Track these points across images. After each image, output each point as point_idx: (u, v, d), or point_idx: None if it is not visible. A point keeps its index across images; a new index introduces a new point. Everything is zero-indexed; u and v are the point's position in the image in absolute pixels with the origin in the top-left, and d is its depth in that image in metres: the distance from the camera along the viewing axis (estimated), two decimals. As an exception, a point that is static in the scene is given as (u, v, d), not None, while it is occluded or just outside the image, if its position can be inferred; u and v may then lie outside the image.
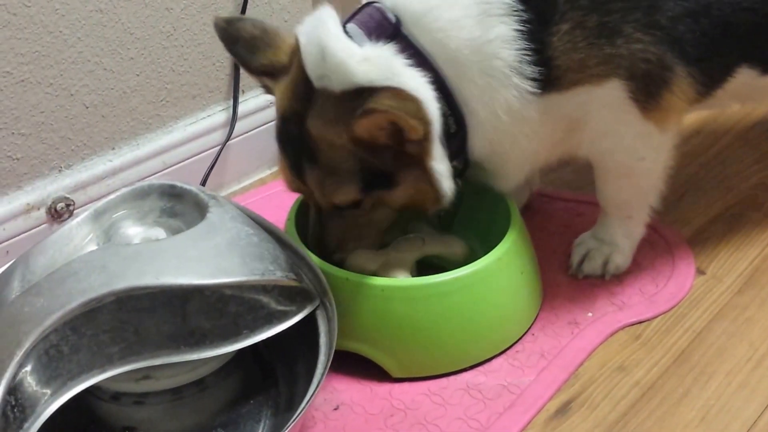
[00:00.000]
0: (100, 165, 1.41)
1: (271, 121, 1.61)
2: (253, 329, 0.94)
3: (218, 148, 1.55)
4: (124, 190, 1.05)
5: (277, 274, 0.96)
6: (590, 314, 1.23)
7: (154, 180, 1.37)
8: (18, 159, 1.30)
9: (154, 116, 1.47)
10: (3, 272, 0.98)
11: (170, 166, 1.49)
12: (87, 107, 1.36)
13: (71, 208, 1.36)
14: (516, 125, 1.09)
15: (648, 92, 1.10)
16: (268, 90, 1.15)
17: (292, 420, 0.90)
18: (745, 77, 1.18)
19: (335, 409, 1.09)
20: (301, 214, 1.23)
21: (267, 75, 1.13)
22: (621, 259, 1.28)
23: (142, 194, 1.05)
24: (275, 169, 1.65)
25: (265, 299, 0.95)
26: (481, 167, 1.17)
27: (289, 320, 0.97)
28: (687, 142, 1.60)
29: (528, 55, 1.04)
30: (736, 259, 1.32)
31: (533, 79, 1.05)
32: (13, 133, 1.28)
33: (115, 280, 0.88)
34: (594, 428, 1.05)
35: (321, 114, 1.05)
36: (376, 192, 1.09)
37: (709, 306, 1.23)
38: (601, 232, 1.29)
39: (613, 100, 1.10)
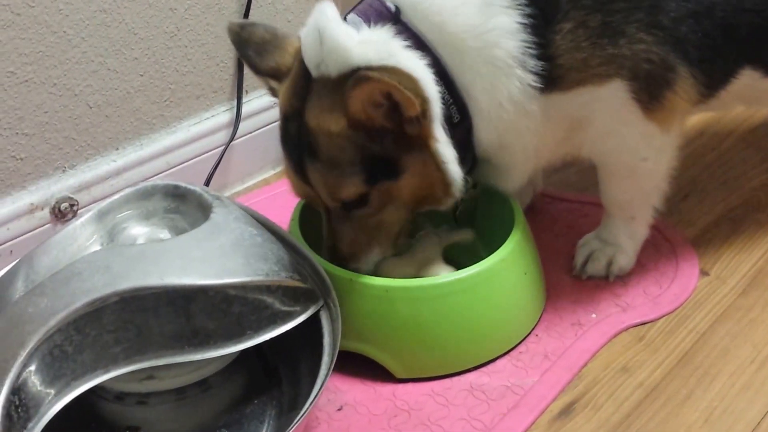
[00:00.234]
0: (103, 165, 1.41)
1: (275, 121, 1.63)
2: (257, 330, 0.94)
3: (222, 148, 1.55)
4: (128, 190, 1.05)
5: (281, 274, 0.96)
6: (594, 315, 1.22)
7: (158, 180, 1.37)
8: (22, 159, 1.31)
9: (158, 116, 1.47)
10: (7, 272, 0.98)
11: (174, 167, 1.49)
12: (91, 107, 1.36)
13: (75, 208, 1.36)
14: (519, 118, 1.08)
15: (650, 93, 1.10)
16: (274, 93, 1.15)
17: (296, 420, 0.90)
18: (747, 79, 1.18)
19: (339, 409, 1.09)
20: (304, 214, 1.22)
21: (273, 77, 1.13)
22: (625, 260, 1.28)
23: (146, 194, 1.05)
24: (279, 169, 1.65)
25: (269, 300, 0.95)
26: (487, 164, 1.16)
27: (293, 321, 0.97)
28: (690, 144, 1.60)
29: (531, 48, 1.04)
30: (740, 261, 1.32)
31: (536, 74, 1.05)
32: (17, 133, 1.28)
33: (119, 280, 0.88)
34: (598, 429, 1.05)
35: (318, 103, 1.04)
36: (383, 183, 1.07)
37: (713, 307, 1.23)
38: (605, 233, 1.29)
39: (616, 101, 1.10)
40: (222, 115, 1.56)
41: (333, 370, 0.96)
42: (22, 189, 1.32)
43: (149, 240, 1.00)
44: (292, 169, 1.11)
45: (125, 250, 0.95)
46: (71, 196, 1.36)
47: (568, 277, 1.30)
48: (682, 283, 1.28)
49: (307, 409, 0.91)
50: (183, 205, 1.04)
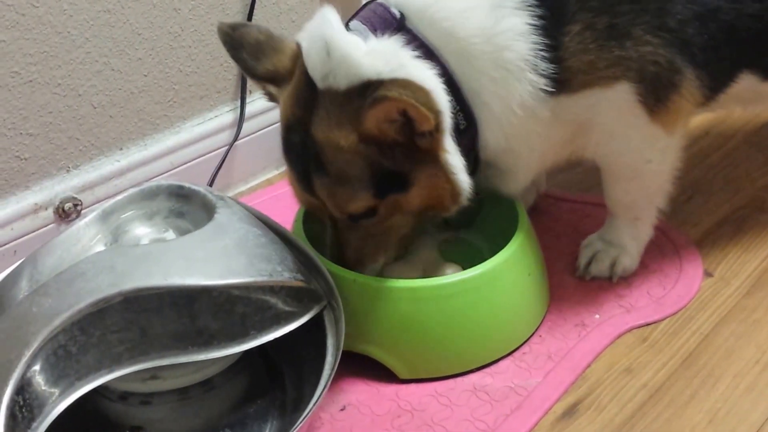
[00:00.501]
0: (107, 165, 1.41)
1: (278, 122, 1.63)
2: (261, 330, 0.94)
3: (226, 148, 1.55)
4: (132, 190, 1.05)
5: (284, 275, 0.96)
6: (597, 316, 1.22)
7: (162, 180, 1.37)
8: (26, 159, 1.31)
9: (162, 117, 1.47)
10: (11, 272, 0.98)
11: (178, 167, 1.49)
12: (95, 107, 1.36)
13: (79, 208, 1.37)
14: (529, 122, 1.07)
15: (657, 95, 1.10)
16: (272, 98, 1.13)
17: (300, 420, 0.90)
18: (747, 83, 1.18)
19: (342, 409, 1.09)
20: (308, 215, 1.22)
21: (271, 81, 1.10)
22: (628, 261, 1.28)
23: (150, 195, 1.05)
24: (282, 169, 1.65)
25: (272, 300, 0.95)
26: (490, 168, 1.16)
27: (297, 321, 0.97)
28: (694, 144, 1.60)
29: (541, 50, 1.03)
30: (744, 262, 1.32)
31: (546, 77, 1.04)
32: (21, 133, 1.29)
33: (123, 280, 0.88)
34: (601, 430, 1.05)
35: (326, 116, 1.02)
36: (392, 196, 1.06)
37: (717, 308, 1.23)
38: (609, 233, 1.29)
39: (622, 103, 1.09)
40: (226, 116, 1.56)
41: (336, 371, 0.96)
42: (26, 189, 1.33)
43: (153, 240, 1.00)
44: (296, 180, 1.09)
45: (129, 250, 0.95)
46: (75, 196, 1.36)
47: (572, 278, 1.30)
48: (685, 284, 1.27)
49: (311, 409, 0.91)
50: (187, 206, 1.04)
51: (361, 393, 1.11)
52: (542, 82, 1.04)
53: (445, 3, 1.04)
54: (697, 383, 1.11)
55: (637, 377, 1.12)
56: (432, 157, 1.03)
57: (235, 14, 1.51)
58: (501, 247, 1.14)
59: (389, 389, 1.12)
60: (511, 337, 1.17)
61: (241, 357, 1.00)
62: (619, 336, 1.19)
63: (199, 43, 1.47)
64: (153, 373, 0.94)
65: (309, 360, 1.03)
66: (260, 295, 0.94)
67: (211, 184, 1.52)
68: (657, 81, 1.08)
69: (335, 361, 0.97)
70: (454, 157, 1.04)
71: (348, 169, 1.03)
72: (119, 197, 1.04)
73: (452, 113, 1.05)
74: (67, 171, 1.37)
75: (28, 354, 0.83)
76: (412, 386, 1.12)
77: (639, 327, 1.20)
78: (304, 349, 1.04)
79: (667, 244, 1.35)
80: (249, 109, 1.58)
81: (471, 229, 1.33)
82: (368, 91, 0.98)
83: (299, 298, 0.98)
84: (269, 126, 1.61)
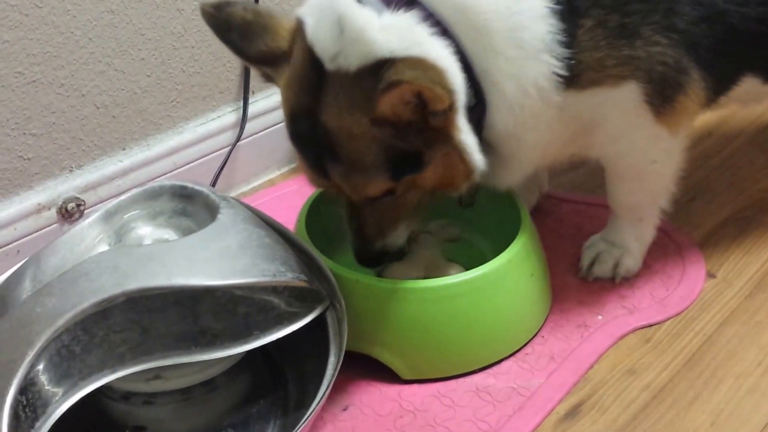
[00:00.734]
0: (110, 165, 1.41)
1: (282, 122, 1.63)
2: (264, 330, 0.94)
3: (228, 149, 1.55)
4: (135, 190, 1.05)
5: (287, 275, 0.96)
6: (600, 317, 1.22)
7: (165, 180, 1.37)
8: (29, 159, 1.31)
9: (165, 117, 1.47)
10: (14, 272, 0.99)
11: (180, 167, 1.49)
12: (98, 108, 1.37)
13: (82, 208, 1.37)
14: (541, 106, 1.04)
15: (663, 96, 1.09)
16: (269, 78, 1.08)
17: (302, 421, 0.90)
18: (749, 84, 1.18)
19: (344, 409, 1.09)
20: (311, 215, 1.22)
21: (265, 63, 1.05)
22: (631, 261, 1.28)
23: (153, 195, 1.05)
24: (285, 170, 1.65)
25: (275, 300, 0.95)
26: (489, 154, 1.09)
27: (300, 321, 0.97)
28: (697, 145, 1.60)
29: (558, 35, 1.01)
30: (747, 263, 1.32)
31: (561, 61, 1.02)
32: (24, 133, 1.29)
33: (127, 280, 0.88)
34: (604, 431, 1.05)
35: (335, 102, 0.97)
36: (407, 177, 1.03)
37: (720, 309, 1.23)
38: (612, 234, 1.29)
39: (629, 103, 1.09)
40: (228, 116, 1.56)
41: (338, 371, 0.96)
42: (29, 189, 1.33)
43: (156, 240, 1.00)
44: (309, 167, 1.06)
45: (133, 250, 0.95)
46: (78, 196, 1.36)
47: (575, 279, 1.30)
48: (688, 285, 1.27)
49: (314, 409, 0.91)
50: (190, 206, 1.04)
51: (364, 393, 1.11)
52: (558, 66, 1.02)
53: None
54: (700, 384, 1.11)
55: (639, 378, 1.12)
56: (445, 136, 1.00)
57: (238, 15, 1.51)
58: (504, 248, 1.14)
59: (392, 389, 1.12)
60: (513, 338, 1.17)
61: (244, 357, 1.00)
62: (622, 337, 1.19)
63: (201, 44, 1.47)
64: (156, 373, 0.94)
65: (312, 360, 1.03)
66: (263, 295, 0.94)
67: (213, 185, 1.52)
68: (664, 81, 1.08)
69: (338, 362, 0.98)
70: (467, 136, 1.01)
71: (363, 155, 0.99)
72: (122, 197, 1.04)
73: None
74: (70, 171, 1.37)
75: (31, 354, 0.83)
76: (415, 387, 1.12)
77: (642, 328, 1.20)
78: (307, 349, 1.04)
79: (669, 245, 1.35)
80: (252, 109, 1.58)
81: (473, 230, 1.33)
82: (380, 71, 0.93)
83: (302, 298, 0.98)
84: (272, 126, 1.61)
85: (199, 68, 1.49)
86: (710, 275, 1.30)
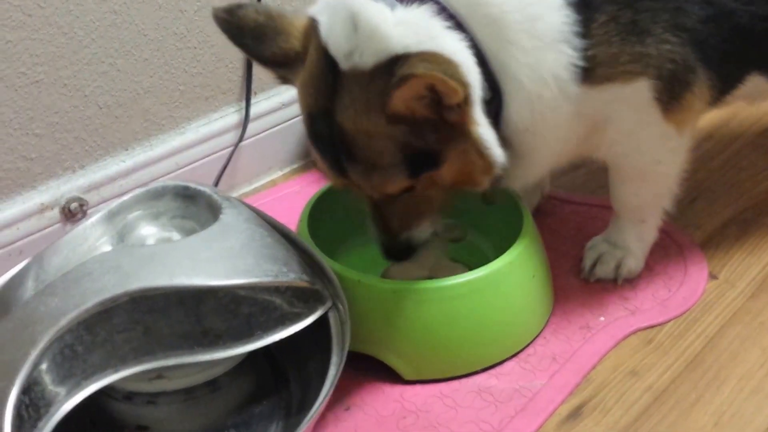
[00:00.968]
0: (113, 165, 1.41)
1: (284, 122, 1.64)
2: (266, 330, 0.94)
3: (230, 149, 1.55)
4: (138, 190, 1.05)
5: (290, 275, 0.96)
6: (602, 318, 1.22)
7: (167, 181, 1.37)
8: (32, 159, 1.31)
9: (167, 117, 1.47)
10: (17, 272, 0.98)
11: (183, 167, 1.49)
12: (101, 108, 1.37)
13: (84, 208, 1.37)
14: (559, 98, 1.04)
15: (672, 93, 1.09)
16: (285, 80, 1.08)
17: (305, 420, 0.90)
18: (754, 83, 1.19)
19: (347, 410, 1.09)
20: (313, 216, 1.23)
21: (280, 65, 1.04)
22: (633, 263, 1.28)
23: (156, 195, 1.05)
24: (287, 170, 1.65)
25: (278, 301, 0.95)
26: (505, 152, 1.07)
27: (302, 322, 0.97)
28: (699, 147, 1.60)
29: (574, 25, 1.00)
30: (749, 264, 1.32)
31: (578, 51, 1.01)
32: (27, 133, 1.29)
33: (130, 280, 0.88)
34: (606, 432, 1.05)
35: (351, 103, 0.97)
36: (426, 174, 1.02)
37: (722, 311, 1.23)
38: (614, 235, 1.29)
39: (639, 101, 1.09)
40: (231, 117, 1.56)
41: (341, 371, 0.96)
42: (32, 189, 1.33)
43: (159, 240, 1.00)
44: (328, 167, 1.05)
45: (135, 250, 0.95)
46: (81, 196, 1.37)
47: (577, 280, 1.30)
48: (690, 286, 1.27)
49: (316, 409, 0.91)
50: (193, 206, 1.04)
51: (366, 394, 1.12)
52: (575, 56, 1.01)
53: None
54: (703, 386, 1.11)
55: (642, 379, 1.12)
56: (461, 131, 0.99)
57: (240, 15, 1.51)
58: (506, 249, 1.14)
59: (394, 390, 1.12)
60: (515, 339, 1.17)
61: (247, 357, 1.00)
62: (624, 338, 1.19)
63: (204, 44, 1.47)
64: (159, 373, 0.94)
65: (314, 361, 1.03)
66: (266, 295, 0.94)
67: (216, 185, 1.52)
68: (673, 79, 1.08)
69: (340, 362, 0.98)
70: (485, 130, 1.01)
71: (380, 155, 0.99)
72: (125, 197, 1.04)
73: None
74: (73, 171, 1.37)
75: (34, 353, 0.83)
76: (417, 387, 1.12)
77: (644, 329, 1.20)
78: (310, 349, 1.04)
79: (671, 247, 1.35)
80: (254, 110, 1.58)
81: (476, 231, 1.33)
82: (394, 68, 0.92)
83: (305, 298, 0.98)
84: (274, 127, 1.61)
85: (201, 69, 1.49)
86: (712, 276, 1.30)
